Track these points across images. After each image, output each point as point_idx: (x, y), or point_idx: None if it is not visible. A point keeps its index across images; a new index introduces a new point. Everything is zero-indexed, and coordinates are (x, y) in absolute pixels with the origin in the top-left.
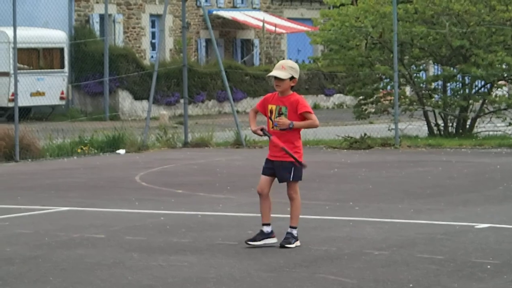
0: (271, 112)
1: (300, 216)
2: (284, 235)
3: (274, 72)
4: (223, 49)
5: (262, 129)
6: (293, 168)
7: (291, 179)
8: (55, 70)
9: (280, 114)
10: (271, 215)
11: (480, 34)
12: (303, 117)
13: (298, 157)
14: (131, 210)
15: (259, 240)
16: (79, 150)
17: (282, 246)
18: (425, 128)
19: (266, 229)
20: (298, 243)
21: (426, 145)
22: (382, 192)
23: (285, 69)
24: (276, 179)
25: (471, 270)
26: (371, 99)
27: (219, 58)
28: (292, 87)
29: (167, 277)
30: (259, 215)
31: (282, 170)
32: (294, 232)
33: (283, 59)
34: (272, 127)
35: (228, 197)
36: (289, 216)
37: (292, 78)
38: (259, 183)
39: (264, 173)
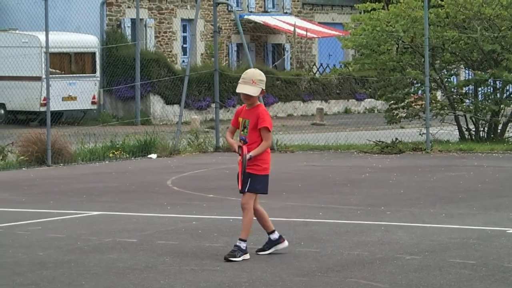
0: (240, 124)
1: (333, 221)
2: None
3: (245, 89)
4: (254, 53)
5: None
6: (249, 179)
7: (246, 190)
8: (87, 74)
9: (244, 127)
10: (272, 219)
11: (511, 38)
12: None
13: (264, 168)
14: (163, 215)
15: (268, 249)
16: (110, 155)
17: (226, 259)
18: (456, 132)
19: (273, 236)
20: (246, 256)
21: (457, 149)
22: (414, 197)
23: (255, 83)
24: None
25: (503, 275)
26: (402, 104)
27: (251, 63)
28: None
29: (200, 281)
30: (291, 219)
31: (246, 180)
32: (243, 245)
33: (314, 64)
34: (240, 140)
35: (259, 201)
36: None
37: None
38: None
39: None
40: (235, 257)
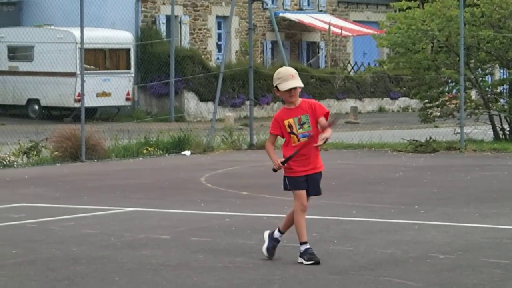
0: (290, 126)
1: (366, 219)
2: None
3: (295, 83)
4: (289, 51)
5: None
6: (320, 180)
7: (320, 193)
8: (121, 71)
9: (302, 124)
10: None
11: None
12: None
13: (322, 167)
14: (196, 212)
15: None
16: (144, 151)
17: (317, 263)
18: (491, 132)
19: (280, 237)
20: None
21: (491, 149)
22: (447, 196)
23: (295, 77)
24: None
25: None
26: (437, 103)
27: (285, 60)
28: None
29: (233, 279)
30: (324, 217)
31: (316, 183)
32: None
33: (349, 62)
34: (298, 140)
35: (293, 199)
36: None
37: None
38: (303, 198)
39: (303, 188)
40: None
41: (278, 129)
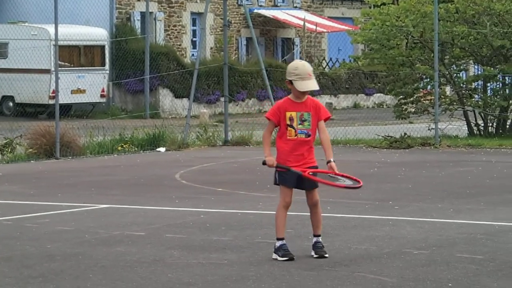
0: (291, 119)
1: (341, 215)
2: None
3: (313, 85)
4: (264, 47)
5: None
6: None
7: (317, 185)
8: (96, 67)
9: (303, 120)
10: None
11: None
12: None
13: (315, 162)
14: (171, 208)
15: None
16: (119, 148)
17: (321, 256)
18: (465, 128)
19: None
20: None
21: (466, 145)
22: (422, 192)
23: (312, 77)
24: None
25: (511, 270)
26: (411, 99)
27: (260, 57)
28: None
29: (207, 275)
30: (299, 213)
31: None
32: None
33: (324, 58)
34: (296, 135)
35: (268, 195)
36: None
37: None
38: (287, 195)
39: (291, 185)
40: (326, 253)
41: (277, 117)
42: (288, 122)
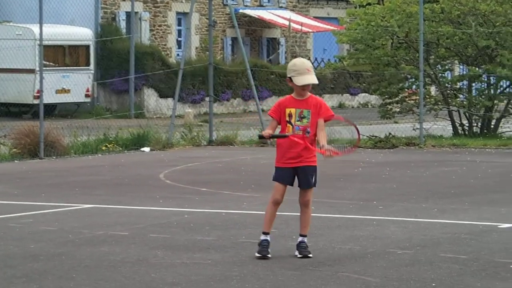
0: (290, 115)
1: (325, 215)
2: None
3: (312, 79)
4: (249, 47)
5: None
6: (314, 173)
7: (314, 185)
8: (81, 67)
9: (301, 117)
10: None
11: (506, 34)
12: (317, 120)
13: (315, 161)
14: (155, 208)
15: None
16: (104, 148)
17: (305, 256)
18: (450, 128)
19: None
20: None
21: (450, 145)
22: (407, 192)
23: (311, 72)
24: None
25: (495, 270)
26: (396, 99)
27: (245, 57)
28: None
29: (191, 275)
30: (283, 213)
31: (307, 175)
32: (306, 240)
33: (309, 58)
34: (293, 131)
35: (252, 195)
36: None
37: None
38: (278, 191)
39: (283, 181)
40: (309, 253)
41: (277, 114)
42: (287, 119)
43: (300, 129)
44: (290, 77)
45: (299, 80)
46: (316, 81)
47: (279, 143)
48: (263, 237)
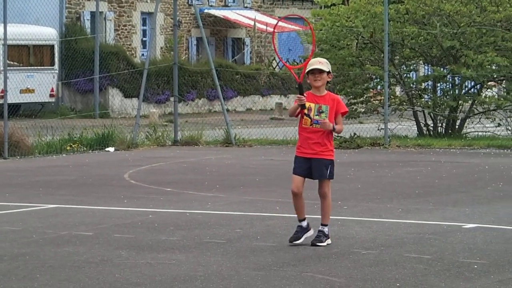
0: (309, 109)
1: (289, 215)
2: (316, 233)
3: (316, 65)
4: (214, 47)
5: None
6: (330, 166)
7: (327, 177)
8: (45, 67)
9: (320, 112)
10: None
11: (470, 35)
12: (336, 117)
13: (331, 155)
14: (119, 208)
15: (302, 237)
16: (68, 148)
17: (313, 244)
18: (415, 128)
19: (304, 223)
20: (329, 241)
21: (415, 145)
22: (371, 192)
23: (322, 63)
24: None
25: (459, 270)
26: (361, 99)
27: (210, 57)
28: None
29: (155, 275)
30: (248, 213)
31: (321, 167)
32: (326, 229)
33: (274, 58)
34: (311, 125)
35: (217, 195)
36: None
37: (328, 72)
38: (294, 183)
39: (298, 173)
40: (321, 242)
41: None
42: (306, 112)
43: (318, 122)
44: (307, 73)
45: (308, 68)
46: (321, 67)
47: (300, 132)
48: (298, 224)
